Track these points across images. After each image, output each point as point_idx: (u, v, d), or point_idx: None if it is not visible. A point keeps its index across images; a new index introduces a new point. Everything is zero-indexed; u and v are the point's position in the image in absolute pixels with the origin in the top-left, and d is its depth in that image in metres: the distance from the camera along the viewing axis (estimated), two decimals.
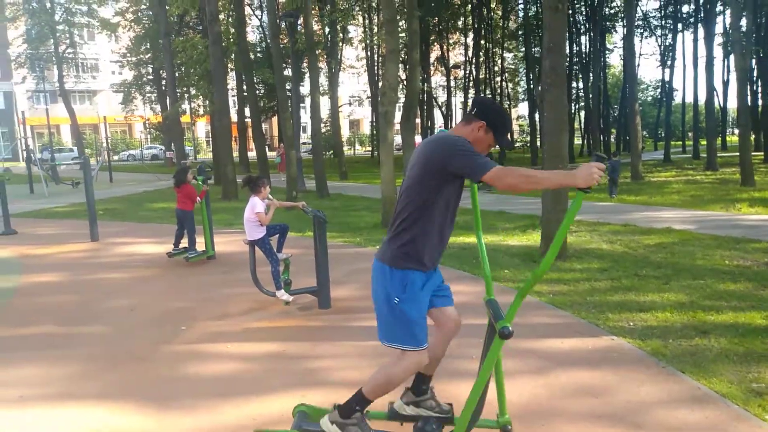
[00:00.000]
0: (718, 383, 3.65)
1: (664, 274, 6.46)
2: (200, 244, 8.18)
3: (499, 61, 43.06)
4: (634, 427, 3.16)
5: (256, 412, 3.47)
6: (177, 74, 26.72)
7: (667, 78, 34.51)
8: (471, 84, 39.22)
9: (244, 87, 22.75)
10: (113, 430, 3.32)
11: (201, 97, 28.99)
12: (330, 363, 4.28)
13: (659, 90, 43.85)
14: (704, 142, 26.89)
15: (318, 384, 3.87)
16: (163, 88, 32.34)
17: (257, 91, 29.46)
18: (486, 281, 2.87)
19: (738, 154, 17.75)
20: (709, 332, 4.56)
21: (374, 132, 39.29)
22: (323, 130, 27.33)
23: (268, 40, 28.05)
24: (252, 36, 37.07)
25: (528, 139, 35.54)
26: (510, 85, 47.68)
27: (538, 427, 3.20)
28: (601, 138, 35.28)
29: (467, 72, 39.86)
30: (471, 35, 38.28)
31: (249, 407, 3.56)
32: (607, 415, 3.32)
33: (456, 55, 45.21)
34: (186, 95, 32.81)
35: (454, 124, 2.47)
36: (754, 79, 29.84)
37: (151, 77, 37.17)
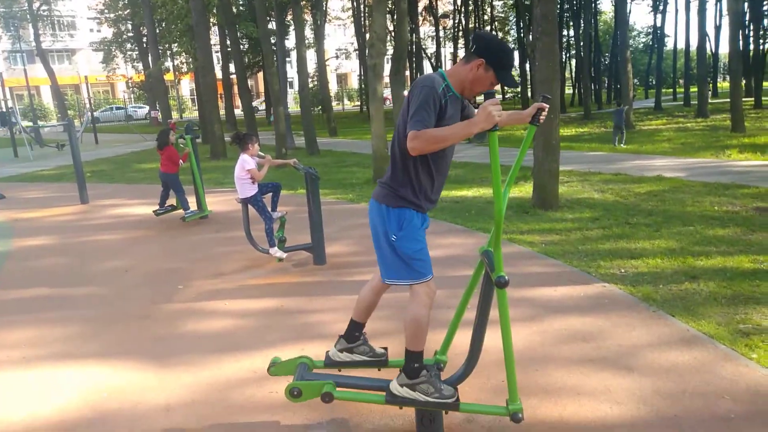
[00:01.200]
0: (706, 325, 3.76)
1: (654, 222, 6.53)
2: (192, 204, 8.13)
3: (489, 10, 42.10)
4: (626, 370, 3.26)
5: (256, 366, 3.53)
6: (158, 30, 25.94)
7: (659, 24, 33.99)
8: (460, 34, 38.45)
9: (228, 42, 22.16)
10: (115, 388, 3.37)
11: (184, 53, 28.25)
12: (326, 317, 4.34)
13: (651, 36, 43.19)
14: (695, 89, 26.74)
15: (316, 337, 3.94)
16: (145, 45, 31.46)
17: (241, 46, 28.69)
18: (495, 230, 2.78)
19: (729, 100, 17.68)
20: (699, 277, 4.65)
21: (363, 86, 38.65)
22: (310, 85, 26.82)
23: None
24: None
25: (519, 90, 35.14)
26: (500, 34, 46.77)
27: (531, 372, 3.29)
28: (593, 87, 34.96)
29: (456, 21, 39.03)
30: None
31: (248, 361, 3.62)
32: (599, 358, 3.41)
33: (444, 4, 44.15)
34: (168, 52, 31.96)
35: None
36: (746, 23, 29.43)
37: (131, 34, 36.05)
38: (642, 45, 56.61)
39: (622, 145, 14.74)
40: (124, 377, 3.50)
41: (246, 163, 5.67)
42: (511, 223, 6.84)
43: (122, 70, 41.00)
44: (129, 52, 37.61)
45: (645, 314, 4.01)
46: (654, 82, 37.00)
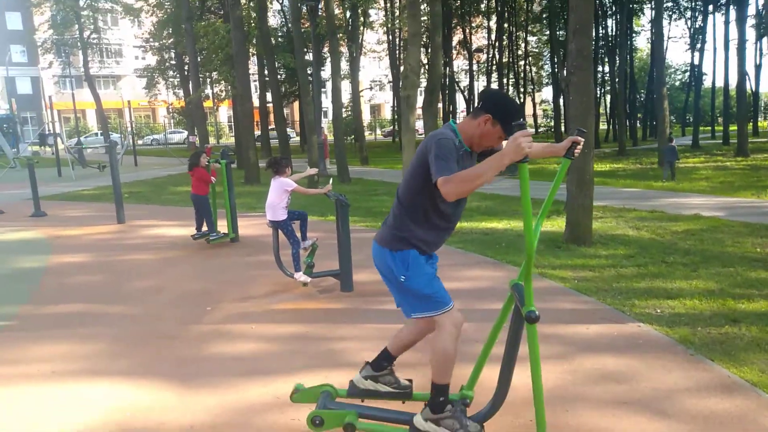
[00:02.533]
0: (748, 372, 3.58)
1: (692, 261, 6.33)
2: (222, 227, 8.25)
3: (523, 45, 42.39)
4: (660, 415, 3.12)
5: (280, 392, 3.50)
6: (199, 59, 26.86)
7: (696, 62, 33.62)
8: (494, 68, 38.74)
9: (266, 71, 22.78)
10: (140, 407, 3.38)
11: (223, 81, 29.12)
12: (352, 345, 4.29)
13: (687, 74, 42.75)
14: (734, 128, 26.19)
15: (340, 365, 3.89)
16: (186, 72, 32.53)
17: (279, 76, 29.46)
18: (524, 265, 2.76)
19: None
20: (740, 320, 4.46)
21: (395, 117, 39.08)
22: (344, 115, 27.26)
23: (290, 24, 27.99)
24: (273, 20, 37.00)
25: (552, 123, 35.00)
26: (534, 69, 46.94)
27: (561, 413, 3.17)
28: (627, 123, 34.58)
29: (490, 56, 39.36)
30: (494, 18, 37.70)
31: (272, 386, 3.59)
32: (633, 401, 3.27)
33: (479, 39, 44.60)
34: (208, 80, 33.00)
35: None
36: None
37: (173, 62, 37.41)
38: (678, 82, 56.00)
39: (672, 180, 14.82)
40: (149, 397, 3.51)
41: (286, 184, 5.76)
42: (543, 257, 6.72)
43: (163, 96, 42.44)
44: (171, 79, 38.97)
45: (682, 357, 3.84)
46: (691, 120, 36.41)
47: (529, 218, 2.25)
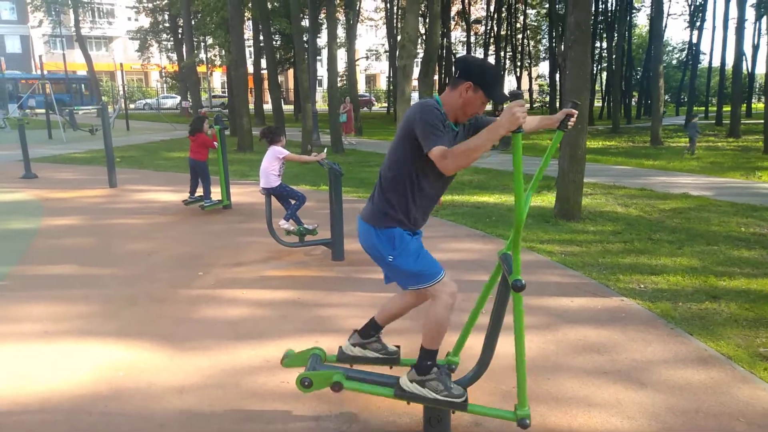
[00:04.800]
0: (725, 346, 3.70)
1: (677, 239, 6.44)
2: (216, 194, 8.26)
3: (522, 18, 41.84)
4: (639, 385, 3.23)
5: (270, 355, 3.58)
6: (194, 22, 26.36)
7: (694, 40, 33.42)
8: (491, 40, 38.28)
9: (261, 37, 22.42)
10: (131, 367, 3.45)
11: (217, 46, 28.62)
12: (342, 311, 4.37)
13: (685, 52, 42.48)
14: (728, 108, 26.20)
15: (330, 331, 3.97)
16: (180, 36, 31.97)
17: (274, 42, 28.99)
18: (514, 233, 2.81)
19: (762, 121, 17.29)
20: (720, 297, 4.58)
21: (391, 88, 38.71)
22: (339, 84, 26.96)
23: None
24: None
25: (548, 99, 34.86)
26: (531, 42, 46.45)
27: (543, 381, 3.28)
28: (623, 101, 34.50)
29: (488, 28, 38.86)
30: None
31: (263, 350, 3.67)
32: (613, 371, 3.38)
33: (477, 10, 44.00)
34: (203, 44, 32.43)
35: None
36: None
37: (167, 25, 36.69)
38: (676, 61, 55.69)
39: (691, 153, 15.79)
40: (141, 357, 3.58)
41: (278, 152, 5.82)
42: (532, 231, 6.80)
43: (156, 60, 41.71)
44: (164, 42, 38.27)
45: (662, 330, 3.96)
46: (686, 99, 36.36)
47: (520, 187, 2.27)
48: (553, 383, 3.26)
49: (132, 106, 43.71)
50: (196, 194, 8.19)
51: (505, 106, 2.20)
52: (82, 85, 38.20)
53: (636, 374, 3.35)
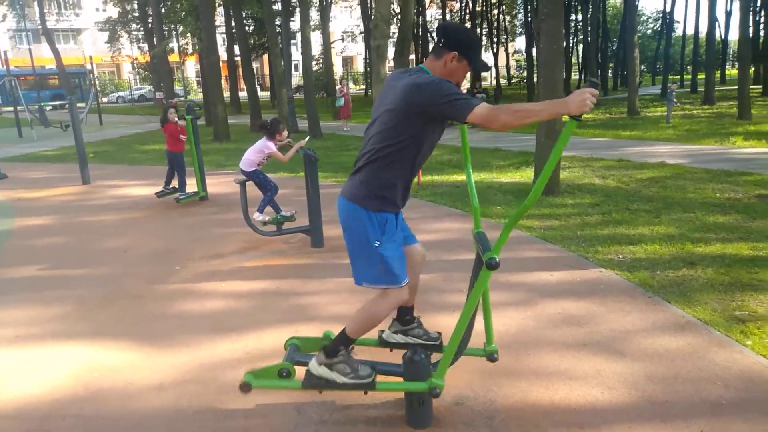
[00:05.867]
0: (702, 311, 3.73)
1: (655, 208, 6.49)
2: (191, 185, 8.13)
3: None
4: (617, 355, 3.25)
5: (250, 347, 3.54)
6: (163, 10, 25.74)
7: (668, 8, 33.50)
8: (467, 17, 37.98)
9: (233, 23, 21.98)
10: (107, 367, 3.39)
11: (189, 34, 28.05)
12: (322, 299, 4.34)
13: (659, 22, 42.62)
14: (703, 76, 26.40)
15: (310, 319, 3.94)
16: (150, 25, 31.21)
17: (247, 28, 28.46)
18: (474, 214, 2.85)
19: (736, 87, 17.47)
20: (697, 263, 4.62)
21: (368, 69, 38.37)
22: (315, 67, 26.61)
23: None
24: None
25: (525, 74, 34.78)
26: (507, 18, 46.21)
27: (524, 357, 3.28)
28: (599, 72, 34.57)
29: (463, 4, 38.53)
30: None
31: (243, 342, 3.63)
32: (592, 343, 3.40)
33: None
34: (174, 33, 31.73)
35: None
36: (758, 8, 28.96)
37: (136, 14, 35.78)
38: (650, 31, 55.91)
39: (668, 123, 16.02)
40: (117, 356, 3.52)
41: (266, 147, 5.79)
42: (511, 208, 6.80)
43: (127, 51, 40.76)
44: (134, 32, 37.35)
45: (640, 300, 3.99)
46: (661, 69, 36.57)
47: (549, 171, 2.21)
48: (533, 358, 3.26)
49: (105, 99, 42.77)
50: (171, 186, 8.04)
51: (576, 89, 2.09)
52: (79, 80, 37.34)
53: (615, 344, 3.37)
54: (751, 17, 19.26)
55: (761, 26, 29.70)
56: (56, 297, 4.57)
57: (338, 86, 18.61)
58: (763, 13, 29.30)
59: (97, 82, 34.56)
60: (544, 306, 3.96)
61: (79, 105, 23.19)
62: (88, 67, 38.89)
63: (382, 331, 2.99)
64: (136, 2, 34.12)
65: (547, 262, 4.86)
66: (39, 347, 3.69)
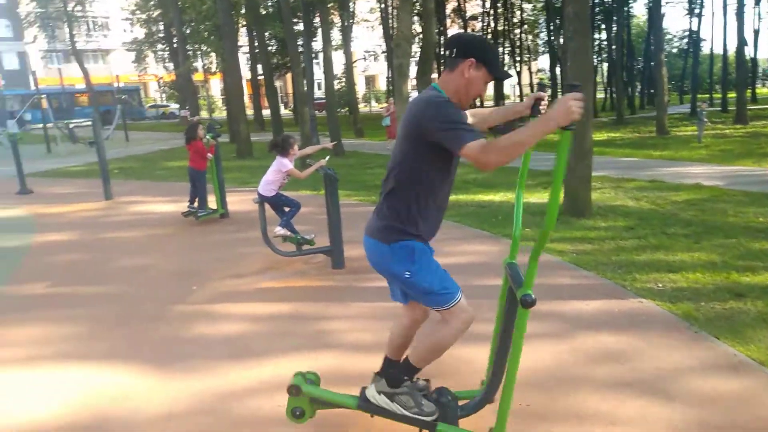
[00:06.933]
0: (755, 350, 3.41)
1: (694, 232, 6.15)
2: (212, 203, 8.03)
3: (518, 12, 41.46)
4: (665, 397, 2.96)
5: (265, 375, 3.34)
6: (188, 31, 26.19)
7: (694, 27, 33.03)
8: (489, 36, 37.93)
9: (256, 43, 22.22)
10: (116, 393, 3.21)
11: (213, 54, 28.46)
12: (343, 324, 4.12)
13: (685, 40, 42.03)
14: (733, 95, 25.82)
15: (330, 346, 3.72)
16: (174, 45, 31.80)
17: (270, 47, 28.81)
18: (512, 244, 2.62)
19: None
20: (745, 295, 4.29)
21: (390, 88, 38.47)
22: (337, 86, 26.74)
23: None
24: None
25: (549, 93, 34.55)
26: (530, 37, 46.09)
27: (561, 395, 3.01)
28: (625, 91, 34.12)
29: (485, 24, 38.52)
30: None
31: (257, 370, 3.43)
32: (636, 382, 3.11)
33: (473, 6, 43.58)
34: (198, 52, 32.26)
35: None
36: None
37: (162, 35, 36.54)
38: (676, 49, 55.21)
39: (699, 143, 15.61)
40: (127, 382, 3.34)
41: (282, 165, 5.61)
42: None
43: (153, 70, 41.57)
44: (160, 52, 38.10)
45: (686, 335, 3.68)
46: (689, 87, 35.97)
47: (558, 189, 2.01)
48: (572, 398, 2.99)
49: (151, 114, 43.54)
50: (195, 203, 7.96)
51: (559, 96, 1.92)
52: (131, 96, 38.11)
53: (661, 385, 3.08)
54: None
55: None
56: (70, 316, 4.44)
57: (385, 104, 18.33)
58: None
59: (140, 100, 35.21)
60: (581, 339, 3.68)
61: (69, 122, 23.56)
62: (116, 85, 39.81)
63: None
64: (161, 23, 34.88)
65: (582, 290, 4.58)
66: (49, 369, 3.54)
